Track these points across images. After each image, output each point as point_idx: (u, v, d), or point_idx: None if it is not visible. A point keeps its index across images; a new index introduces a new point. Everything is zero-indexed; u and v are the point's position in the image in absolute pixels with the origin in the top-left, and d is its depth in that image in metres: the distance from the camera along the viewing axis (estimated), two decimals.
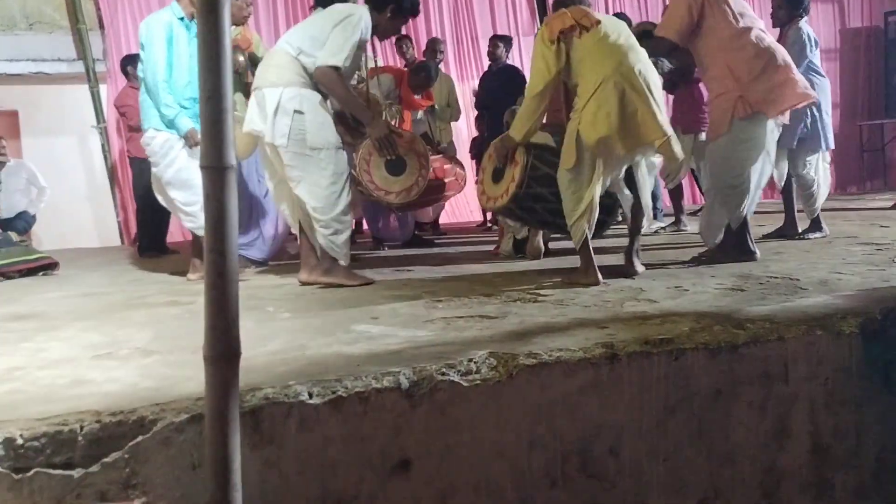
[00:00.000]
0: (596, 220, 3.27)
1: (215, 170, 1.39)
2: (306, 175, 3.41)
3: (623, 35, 3.30)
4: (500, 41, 6.94)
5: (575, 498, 1.95)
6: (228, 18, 1.39)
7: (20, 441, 1.50)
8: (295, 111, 3.36)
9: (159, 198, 4.14)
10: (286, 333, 2.45)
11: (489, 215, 7.27)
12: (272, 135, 3.36)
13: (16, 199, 7.14)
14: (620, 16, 5.21)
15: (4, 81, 7.43)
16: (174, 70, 3.84)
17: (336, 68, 3.39)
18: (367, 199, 3.79)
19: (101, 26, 7.91)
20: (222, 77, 1.37)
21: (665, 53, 3.79)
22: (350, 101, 3.64)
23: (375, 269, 4.19)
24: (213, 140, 1.39)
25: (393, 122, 4.82)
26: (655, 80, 3.29)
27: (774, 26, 4.85)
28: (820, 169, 4.77)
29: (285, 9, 8.38)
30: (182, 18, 3.90)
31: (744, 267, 3.53)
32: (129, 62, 6.19)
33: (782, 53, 3.72)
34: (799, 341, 2.18)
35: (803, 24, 4.70)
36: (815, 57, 4.73)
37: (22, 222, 7.00)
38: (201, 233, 3.77)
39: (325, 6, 3.62)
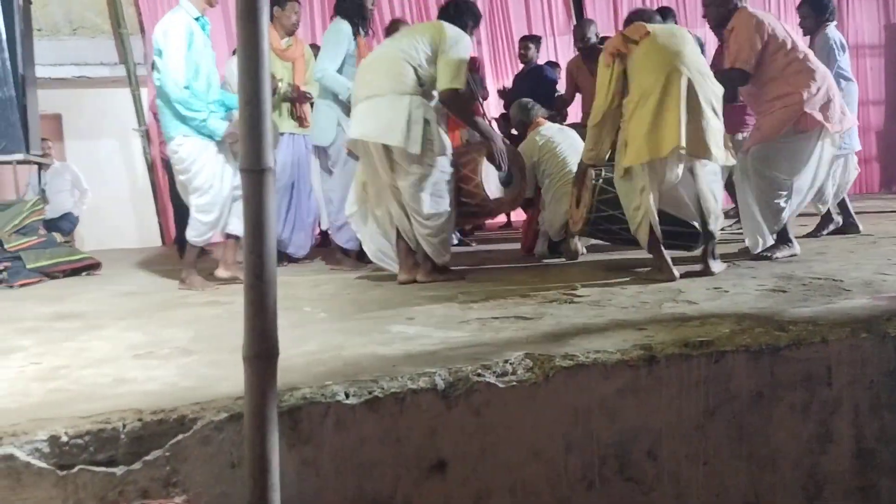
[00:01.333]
0: (657, 223, 3.33)
1: (254, 173, 1.40)
2: (427, 182, 3.46)
3: (674, 42, 3.32)
4: (529, 42, 6.94)
5: (612, 501, 1.93)
6: (267, 24, 1.41)
7: (65, 439, 1.53)
8: (425, 119, 3.41)
9: (188, 203, 4.08)
10: (322, 334, 2.47)
11: (512, 215, 7.27)
12: (405, 142, 3.37)
13: (61, 200, 7.33)
14: (665, 10, 5.21)
15: (49, 86, 7.59)
16: (198, 74, 3.76)
17: (457, 90, 3.48)
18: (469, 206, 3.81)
19: (142, 30, 8.06)
20: (261, 82, 1.39)
21: (740, 84, 3.87)
22: (473, 120, 3.75)
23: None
24: (252, 143, 1.40)
25: None
26: (703, 84, 3.29)
27: (805, 35, 4.95)
28: (851, 168, 4.87)
29: (322, 11, 8.44)
30: (197, 18, 3.81)
31: (786, 267, 3.46)
32: None
33: (832, 81, 3.89)
34: (843, 344, 2.13)
35: (830, 29, 4.84)
36: (844, 61, 4.84)
37: (67, 223, 7.17)
38: (200, 241, 3.91)
39: (446, 19, 3.66)
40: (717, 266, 3.43)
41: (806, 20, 4.94)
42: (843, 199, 4.87)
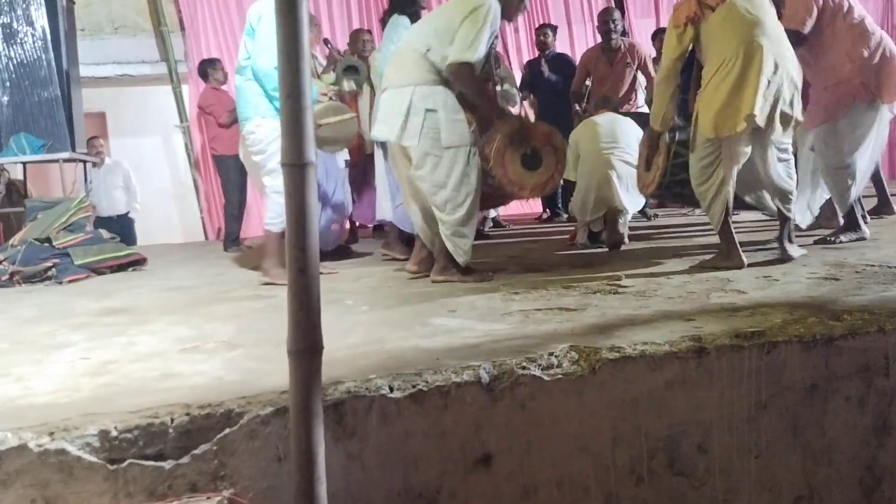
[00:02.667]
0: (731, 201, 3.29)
1: (296, 167, 1.40)
2: (435, 174, 3.31)
3: (753, 11, 3.21)
4: (548, 29, 6.94)
5: (662, 496, 1.89)
6: (307, 18, 1.40)
7: (114, 433, 1.54)
8: (427, 110, 3.27)
9: (258, 188, 4.02)
10: (365, 327, 2.47)
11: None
12: (401, 135, 3.30)
13: (115, 198, 7.48)
14: None
15: (92, 84, 7.74)
16: None
17: (468, 64, 3.25)
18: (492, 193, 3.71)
19: (182, 28, 8.16)
20: (301, 75, 1.38)
21: (794, 44, 3.65)
22: (481, 98, 3.49)
23: None
24: (293, 137, 1.40)
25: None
26: (784, 55, 3.20)
27: None
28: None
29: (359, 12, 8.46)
30: None
31: (837, 255, 3.36)
32: (209, 65, 6.38)
33: (890, 42, 3.83)
34: None
35: None
36: None
37: (129, 232, 7.24)
38: (280, 226, 3.75)
39: None
40: (795, 250, 3.34)
41: None
42: (879, 176, 4.62)
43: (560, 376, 1.83)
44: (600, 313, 2.42)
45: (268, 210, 3.82)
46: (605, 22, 6.11)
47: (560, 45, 7.53)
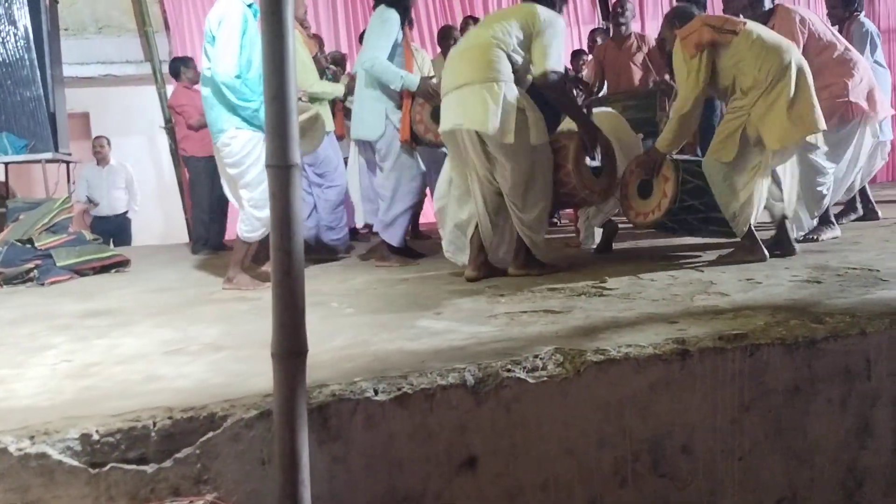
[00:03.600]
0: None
1: (281, 168, 1.40)
2: (520, 172, 3.33)
3: (771, 33, 3.49)
4: None
5: (646, 497, 1.90)
6: (292, 19, 1.40)
7: (96, 437, 1.53)
8: (519, 108, 3.30)
9: (233, 200, 3.95)
10: (350, 329, 2.46)
11: None
12: (500, 131, 3.24)
13: (115, 197, 7.46)
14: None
15: (76, 84, 7.67)
16: (251, 64, 3.59)
17: (557, 73, 3.36)
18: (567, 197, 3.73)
19: (167, 28, 8.12)
20: (286, 77, 1.38)
21: None
22: (571, 105, 3.59)
23: (435, 261, 4.18)
24: (278, 139, 1.40)
25: None
26: (809, 72, 3.45)
27: (832, 24, 5.05)
28: (878, 157, 4.88)
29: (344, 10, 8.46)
30: (251, 5, 3.64)
31: (819, 258, 3.39)
32: (181, 63, 6.32)
33: (871, 75, 4.16)
34: (882, 336, 2.08)
35: (864, 18, 4.96)
36: (878, 49, 4.99)
37: (124, 233, 7.20)
38: (254, 238, 3.75)
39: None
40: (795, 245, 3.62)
41: (835, 9, 5.06)
42: (864, 187, 4.85)
43: (545, 379, 1.83)
44: (585, 315, 2.43)
45: (243, 222, 3.75)
46: (615, 7, 6.15)
47: None
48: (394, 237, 4.29)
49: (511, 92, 3.30)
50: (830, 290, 2.59)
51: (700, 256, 3.73)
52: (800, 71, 3.37)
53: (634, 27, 6.73)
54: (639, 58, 5.98)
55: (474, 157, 3.40)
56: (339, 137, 5.14)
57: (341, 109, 5.29)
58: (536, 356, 1.88)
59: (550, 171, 3.44)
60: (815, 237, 4.02)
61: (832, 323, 2.10)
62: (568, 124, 3.66)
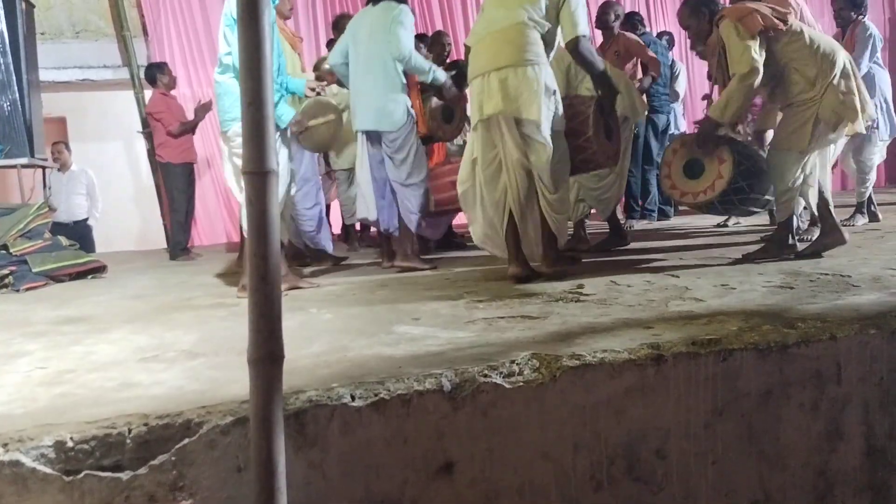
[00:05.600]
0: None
1: (257, 175, 1.40)
2: (555, 153, 3.35)
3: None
4: None
5: (621, 501, 1.92)
6: (269, 25, 1.40)
7: (70, 444, 1.52)
8: (553, 91, 3.35)
9: (237, 192, 3.83)
10: (328, 335, 2.46)
11: None
12: (539, 114, 3.26)
13: (74, 204, 7.36)
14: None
15: (52, 89, 7.62)
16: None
17: (584, 38, 3.35)
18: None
19: (145, 33, 8.07)
20: (263, 82, 1.38)
21: None
22: (600, 69, 3.46)
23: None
24: (255, 145, 1.40)
25: None
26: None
27: (839, 26, 5.36)
28: (877, 156, 5.26)
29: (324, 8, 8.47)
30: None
31: (793, 264, 3.44)
32: (157, 69, 6.28)
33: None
34: (852, 341, 2.11)
35: (868, 22, 5.18)
36: (877, 52, 5.23)
37: (87, 241, 7.08)
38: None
39: None
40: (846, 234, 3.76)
41: (842, 11, 5.25)
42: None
43: (521, 384, 1.85)
44: (562, 321, 2.44)
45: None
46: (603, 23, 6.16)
47: None
48: (437, 231, 4.32)
49: (548, 76, 3.33)
50: (803, 296, 2.63)
51: (682, 260, 3.77)
52: (848, 63, 3.59)
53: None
54: (617, 62, 6.02)
55: (510, 140, 3.37)
56: None
57: None
58: (513, 361, 1.89)
59: (567, 147, 3.48)
60: (808, 237, 4.19)
61: (804, 328, 2.13)
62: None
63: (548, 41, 3.41)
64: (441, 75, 4.23)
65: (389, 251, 4.40)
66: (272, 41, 3.55)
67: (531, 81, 3.27)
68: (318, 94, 3.85)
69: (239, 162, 3.55)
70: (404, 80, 4.20)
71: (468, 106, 4.86)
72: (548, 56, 3.42)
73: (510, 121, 3.33)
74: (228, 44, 3.55)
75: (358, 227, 6.26)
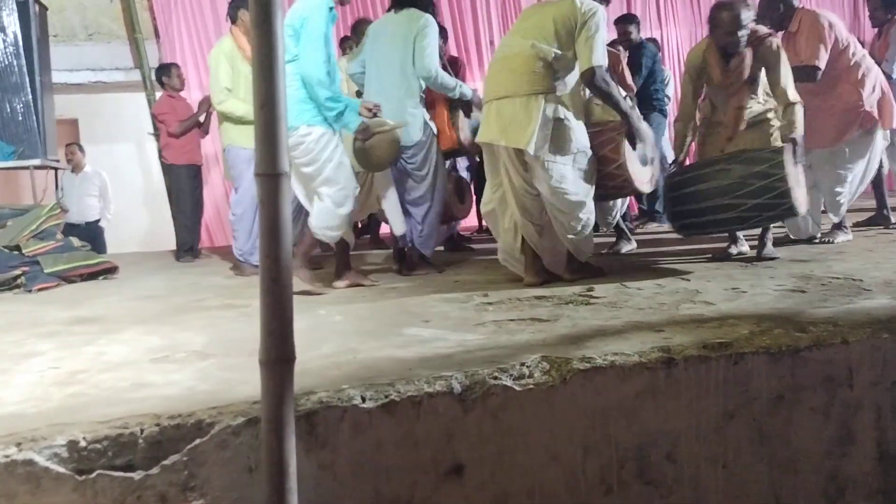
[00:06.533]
0: None
1: (270, 177, 1.40)
2: (567, 180, 3.34)
3: None
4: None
5: None
6: (282, 28, 1.41)
7: (83, 443, 1.53)
8: (556, 119, 3.30)
9: (304, 200, 3.79)
10: (338, 337, 2.47)
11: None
12: (536, 146, 3.25)
13: (86, 205, 7.38)
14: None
15: (65, 91, 7.66)
16: (329, 63, 3.54)
17: (600, 69, 3.31)
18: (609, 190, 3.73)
19: (157, 35, 8.11)
20: (276, 85, 1.39)
21: (812, 79, 4.16)
22: (616, 99, 3.43)
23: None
24: (267, 147, 1.40)
25: None
26: None
27: (874, 26, 5.46)
28: None
29: None
30: (332, 8, 3.59)
31: (804, 267, 3.43)
32: (163, 72, 6.31)
33: (882, 77, 4.48)
34: (864, 345, 2.11)
35: None
36: None
37: (99, 242, 7.11)
38: (334, 236, 3.67)
39: None
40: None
41: (877, 11, 5.30)
42: (883, 189, 5.18)
43: (531, 386, 1.85)
44: (572, 324, 2.44)
45: (319, 217, 3.62)
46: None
47: None
48: (429, 247, 4.26)
49: (550, 107, 3.29)
50: (814, 300, 2.62)
51: (689, 263, 3.76)
52: None
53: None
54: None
55: (511, 168, 3.41)
56: None
57: None
58: (523, 364, 1.90)
59: (593, 171, 3.45)
60: (832, 240, 4.32)
61: (815, 332, 2.13)
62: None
63: (561, 68, 3.36)
64: (467, 90, 4.20)
65: (400, 258, 4.34)
66: (329, 49, 3.54)
67: (528, 110, 3.28)
68: (375, 114, 3.77)
69: (305, 170, 3.60)
70: (423, 93, 4.14)
71: None
72: (563, 81, 3.38)
73: (509, 149, 3.37)
74: (290, 52, 3.51)
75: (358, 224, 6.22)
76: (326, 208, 3.60)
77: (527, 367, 1.88)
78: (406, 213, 4.18)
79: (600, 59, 3.30)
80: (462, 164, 5.74)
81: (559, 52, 3.32)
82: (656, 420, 1.93)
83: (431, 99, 4.31)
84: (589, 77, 3.31)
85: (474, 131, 4.63)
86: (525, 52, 3.34)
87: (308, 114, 3.55)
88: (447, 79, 4.12)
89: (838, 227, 4.41)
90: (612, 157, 3.47)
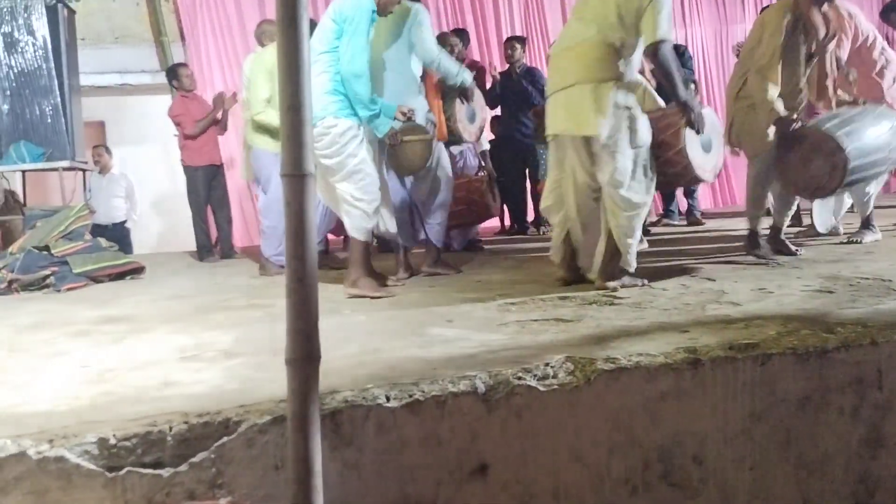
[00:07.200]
0: None
1: (295, 178, 1.41)
2: (631, 173, 3.25)
3: None
4: (517, 42, 6.83)
5: None
6: (307, 30, 1.42)
7: (113, 441, 1.56)
8: (626, 107, 3.22)
9: (322, 196, 3.76)
10: (362, 336, 2.48)
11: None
12: (600, 130, 3.17)
13: (113, 206, 7.48)
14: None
15: (92, 94, 7.76)
16: (368, 64, 3.54)
17: (666, 43, 3.18)
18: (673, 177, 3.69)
19: (182, 38, 8.20)
20: (302, 87, 1.40)
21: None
22: (676, 79, 3.29)
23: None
24: (293, 148, 1.41)
25: None
26: None
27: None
28: None
29: None
30: (374, 10, 3.57)
31: (832, 268, 3.39)
32: (172, 75, 6.37)
33: None
34: (893, 346, 2.08)
35: None
36: None
37: (125, 243, 7.18)
38: (365, 232, 3.59)
39: None
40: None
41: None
42: None
43: (556, 387, 1.84)
44: (596, 324, 2.43)
45: (348, 216, 3.59)
46: None
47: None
48: (442, 239, 4.23)
49: (621, 94, 3.21)
50: (842, 300, 2.58)
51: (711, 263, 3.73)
52: None
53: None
54: None
55: (576, 160, 3.34)
56: None
57: None
58: (547, 364, 1.89)
59: (652, 165, 3.34)
60: (860, 240, 4.27)
61: (844, 333, 2.10)
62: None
63: (628, 55, 3.27)
64: (468, 76, 4.19)
65: (406, 263, 4.20)
66: (367, 48, 3.52)
67: (598, 97, 3.18)
68: (409, 118, 3.74)
69: (327, 162, 3.50)
70: (422, 85, 4.13)
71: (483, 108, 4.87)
72: (630, 68, 3.30)
73: (576, 140, 3.29)
74: (326, 43, 3.52)
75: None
76: (352, 207, 3.55)
77: (551, 367, 1.88)
78: (416, 210, 4.17)
79: (666, 32, 3.17)
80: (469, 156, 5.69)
81: (625, 32, 3.22)
82: (682, 421, 1.92)
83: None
84: (653, 50, 3.17)
85: (471, 119, 4.65)
86: (591, 38, 3.25)
87: (335, 105, 3.50)
88: (450, 63, 4.12)
89: (866, 225, 4.37)
90: (671, 142, 3.35)
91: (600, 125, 3.16)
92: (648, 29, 3.17)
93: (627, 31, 3.22)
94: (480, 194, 5.23)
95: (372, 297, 3.40)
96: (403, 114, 3.71)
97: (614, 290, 3.21)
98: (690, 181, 3.76)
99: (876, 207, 4.55)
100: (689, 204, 6.74)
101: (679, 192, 6.91)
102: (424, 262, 4.25)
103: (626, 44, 3.24)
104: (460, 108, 4.47)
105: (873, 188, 4.31)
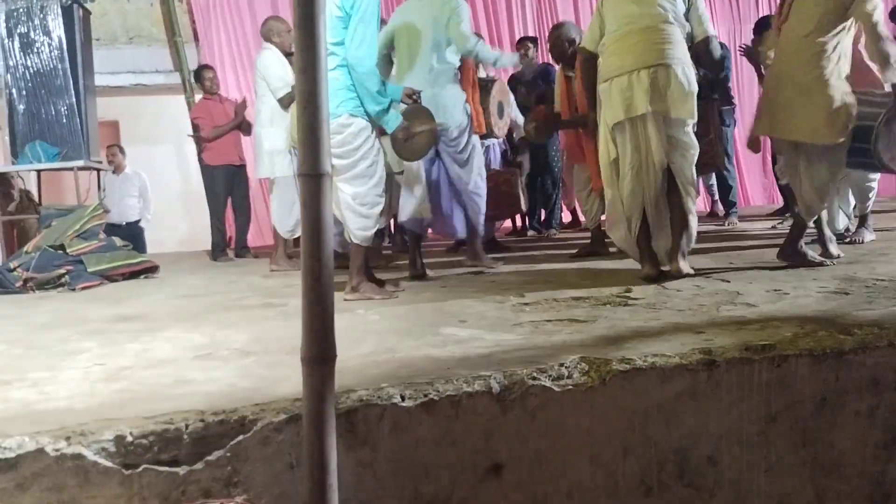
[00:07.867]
0: None
1: (312, 177, 1.42)
2: (693, 151, 3.43)
3: None
4: (529, 42, 6.81)
5: None
6: (325, 26, 1.42)
7: (129, 438, 1.56)
8: (696, 91, 3.40)
9: (335, 210, 3.55)
10: (376, 335, 2.49)
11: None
12: (690, 113, 3.35)
13: (127, 205, 7.53)
14: None
15: (106, 93, 7.81)
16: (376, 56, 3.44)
17: (715, 37, 3.49)
18: None
19: (196, 39, 8.25)
20: (319, 86, 1.40)
21: None
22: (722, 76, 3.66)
23: (457, 269, 4.21)
24: (310, 148, 1.42)
25: None
26: None
27: None
28: None
29: None
30: None
31: (847, 269, 3.36)
32: (198, 74, 6.43)
33: None
34: None
35: None
36: None
37: (140, 242, 7.23)
38: (367, 237, 3.44)
39: None
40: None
41: None
42: None
43: (570, 387, 1.84)
44: (610, 325, 2.43)
45: (355, 221, 3.42)
46: None
47: None
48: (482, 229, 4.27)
49: (693, 73, 3.37)
50: (858, 302, 2.56)
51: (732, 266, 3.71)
52: None
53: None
54: None
55: (656, 139, 3.36)
56: None
57: None
58: (562, 364, 1.89)
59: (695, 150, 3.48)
60: (860, 240, 4.26)
61: (860, 334, 2.08)
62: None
63: (684, 35, 3.44)
64: (508, 59, 4.25)
65: (413, 259, 4.14)
66: (376, 36, 3.39)
67: (682, 80, 3.31)
68: (416, 101, 3.64)
69: (337, 162, 3.28)
70: (459, 75, 4.11)
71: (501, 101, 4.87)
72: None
73: (659, 120, 3.35)
74: (336, 35, 3.28)
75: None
76: (358, 209, 3.40)
77: (566, 367, 1.88)
78: (457, 204, 4.15)
79: (712, 28, 3.50)
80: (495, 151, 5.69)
81: (683, 19, 3.42)
82: (697, 422, 1.91)
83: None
84: (705, 45, 3.44)
85: (500, 114, 4.67)
86: (660, 21, 3.36)
87: (352, 102, 3.32)
88: (486, 49, 4.13)
89: (863, 224, 4.39)
90: (703, 132, 3.53)
91: (690, 107, 3.34)
92: (697, 25, 3.47)
93: (677, 15, 3.39)
94: (510, 186, 5.24)
95: (376, 298, 3.37)
96: (409, 96, 3.63)
97: (687, 274, 3.37)
98: (712, 168, 3.87)
99: (875, 209, 4.58)
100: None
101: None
102: (466, 254, 4.34)
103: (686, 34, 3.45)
104: (494, 104, 4.50)
105: (876, 180, 4.32)
